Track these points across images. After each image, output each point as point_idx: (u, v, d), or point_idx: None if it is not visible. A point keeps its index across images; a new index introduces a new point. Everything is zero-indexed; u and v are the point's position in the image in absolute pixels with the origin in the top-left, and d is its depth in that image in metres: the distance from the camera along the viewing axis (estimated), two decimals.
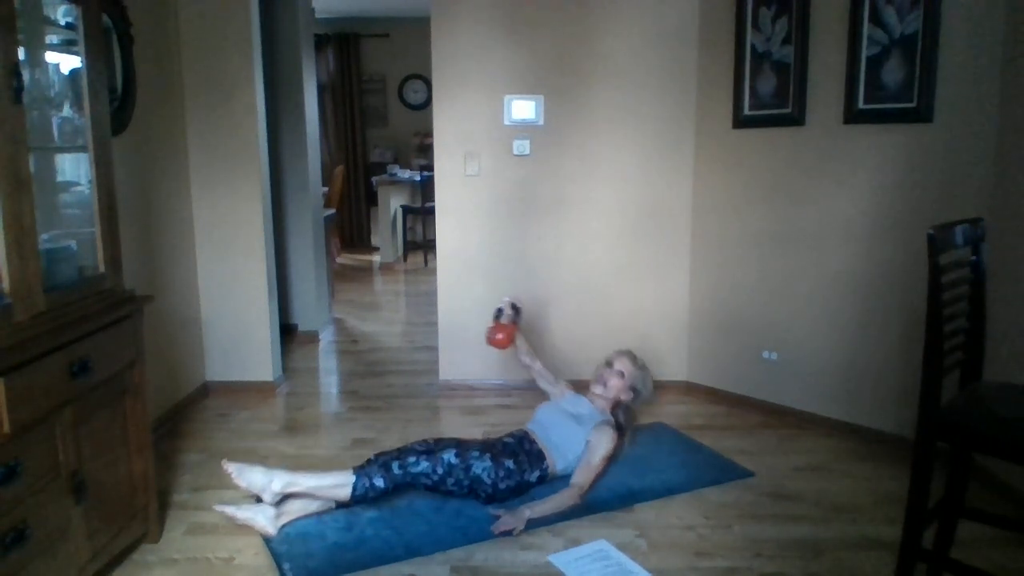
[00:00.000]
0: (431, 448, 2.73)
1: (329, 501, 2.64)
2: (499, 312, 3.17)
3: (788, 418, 3.58)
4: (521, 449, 2.85)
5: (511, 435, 2.96)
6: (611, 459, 2.91)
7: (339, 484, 2.56)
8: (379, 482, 2.57)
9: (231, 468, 2.55)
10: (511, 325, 3.15)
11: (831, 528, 2.59)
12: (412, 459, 2.63)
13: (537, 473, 2.81)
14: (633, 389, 3.07)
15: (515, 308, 3.18)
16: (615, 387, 3.04)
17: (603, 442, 2.86)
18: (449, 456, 2.65)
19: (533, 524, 2.60)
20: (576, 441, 2.89)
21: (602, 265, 3.98)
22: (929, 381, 1.89)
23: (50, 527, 1.92)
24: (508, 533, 2.55)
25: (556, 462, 2.87)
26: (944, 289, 1.87)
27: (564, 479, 2.84)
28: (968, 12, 2.90)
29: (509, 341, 3.14)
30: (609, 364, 3.10)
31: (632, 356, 3.13)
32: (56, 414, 1.96)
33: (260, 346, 4.02)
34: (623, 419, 3.07)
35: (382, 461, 2.64)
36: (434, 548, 2.47)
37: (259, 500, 2.61)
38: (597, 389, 3.07)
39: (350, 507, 2.63)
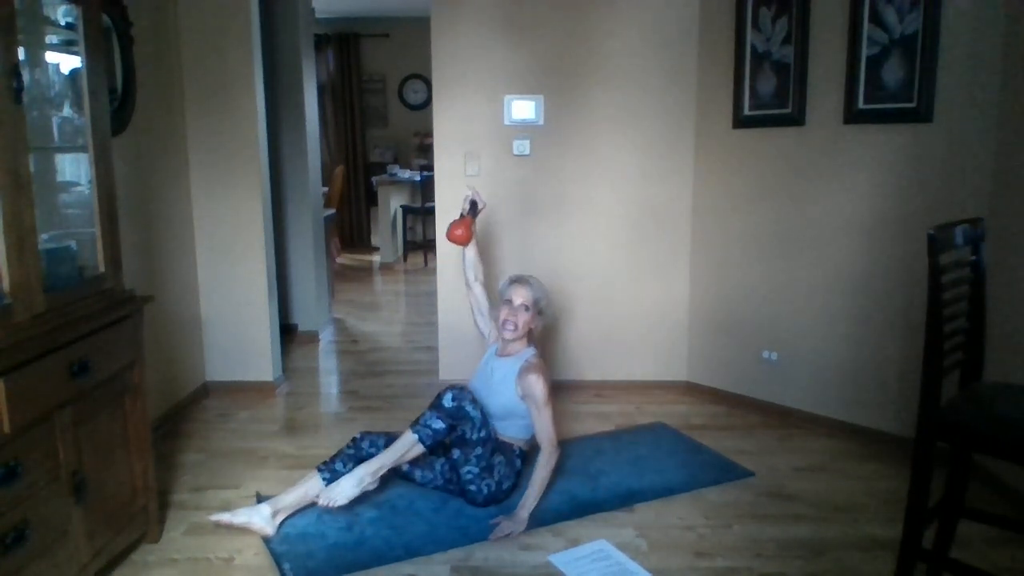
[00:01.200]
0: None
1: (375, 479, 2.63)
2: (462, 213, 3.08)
3: (788, 418, 3.58)
4: (497, 448, 2.82)
5: None
6: (550, 387, 2.79)
7: (409, 445, 2.61)
8: (438, 424, 2.61)
9: (324, 500, 2.53)
10: (467, 218, 3.00)
11: (831, 528, 2.59)
12: (469, 395, 2.67)
13: (518, 460, 2.82)
14: (540, 313, 2.91)
15: (472, 203, 3.02)
16: (524, 322, 2.87)
17: (534, 387, 2.72)
18: (491, 431, 2.71)
19: (534, 522, 2.60)
20: (510, 405, 2.80)
21: (602, 265, 3.98)
22: (929, 381, 1.89)
23: (50, 527, 1.92)
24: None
25: (519, 436, 2.85)
26: (944, 289, 1.87)
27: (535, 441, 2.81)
28: (968, 12, 2.90)
29: (467, 237, 2.99)
30: (509, 301, 2.87)
31: (525, 281, 2.91)
32: (56, 414, 1.95)
33: (260, 346, 4.01)
34: (536, 331, 2.98)
35: (433, 403, 2.68)
36: (434, 548, 2.47)
37: (259, 500, 2.61)
38: (508, 334, 2.86)
39: (428, 459, 2.73)
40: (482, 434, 2.67)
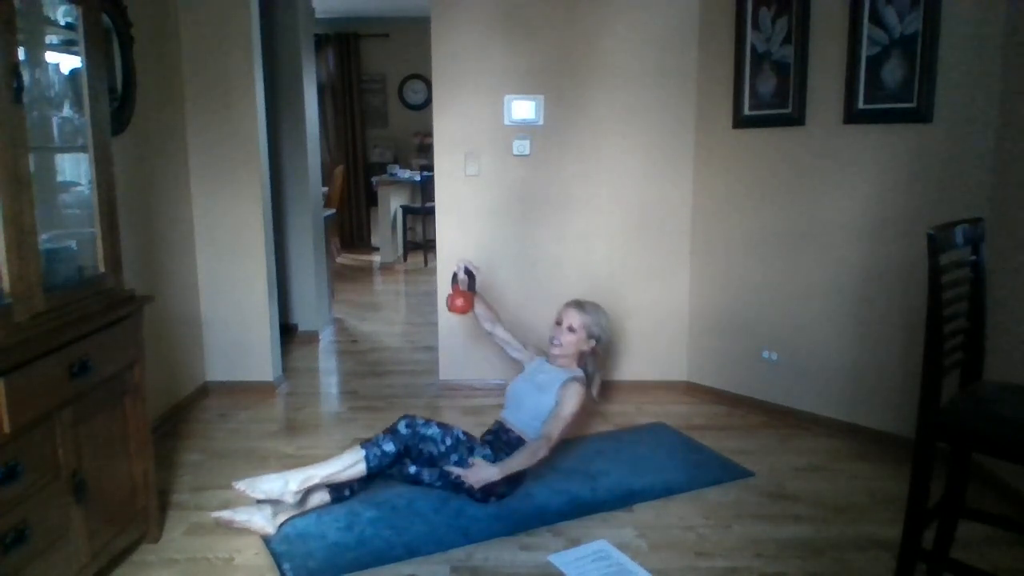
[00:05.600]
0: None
1: (344, 486, 2.66)
2: (455, 277, 3.18)
3: (788, 418, 3.58)
4: (500, 442, 2.86)
5: (489, 431, 2.97)
6: (580, 412, 2.89)
7: (352, 463, 2.58)
8: (388, 447, 2.60)
9: (241, 485, 2.49)
10: (468, 291, 3.15)
11: (831, 528, 2.59)
12: (422, 421, 2.67)
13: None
14: (591, 336, 3.01)
15: (468, 273, 3.16)
16: (570, 343, 2.99)
17: (570, 397, 2.86)
18: (459, 431, 2.71)
19: (534, 522, 2.60)
20: (545, 409, 2.88)
21: (602, 265, 3.98)
22: (929, 381, 1.89)
23: (50, 527, 1.92)
24: (461, 483, 2.63)
25: (535, 436, 2.86)
26: (944, 289, 1.87)
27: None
28: (968, 12, 2.90)
29: (468, 306, 3.15)
30: (559, 322, 3.04)
31: (578, 304, 3.06)
32: (56, 414, 1.95)
33: (260, 346, 4.01)
34: (590, 368, 3.06)
35: (389, 427, 2.70)
36: (434, 548, 2.47)
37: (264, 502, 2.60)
38: (554, 349, 3.02)
39: (369, 482, 2.64)
40: (448, 443, 2.70)
